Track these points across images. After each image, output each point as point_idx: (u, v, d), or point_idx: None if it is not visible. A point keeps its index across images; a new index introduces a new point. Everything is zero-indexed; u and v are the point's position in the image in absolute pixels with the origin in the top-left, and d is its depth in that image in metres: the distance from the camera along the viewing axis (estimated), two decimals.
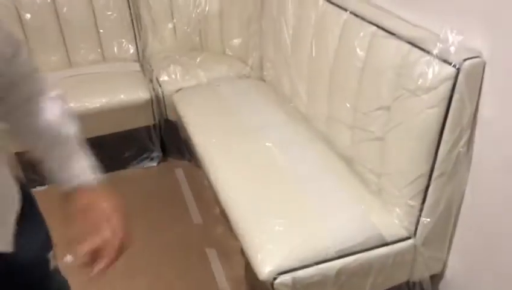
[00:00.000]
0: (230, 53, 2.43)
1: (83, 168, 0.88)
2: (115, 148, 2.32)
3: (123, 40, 2.45)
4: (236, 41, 2.38)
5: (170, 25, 2.48)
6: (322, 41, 1.64)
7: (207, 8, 2.42)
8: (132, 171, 2.38)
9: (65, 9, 2.30)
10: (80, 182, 0.86)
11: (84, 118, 2.05)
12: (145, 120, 2.26)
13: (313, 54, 1.70)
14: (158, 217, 2.08)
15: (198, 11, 2.42)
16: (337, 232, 1.32)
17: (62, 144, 0.87)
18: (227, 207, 1.50)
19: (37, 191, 2.27)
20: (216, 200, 1.61)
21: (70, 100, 2.03)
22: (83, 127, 2.13)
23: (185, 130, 1.98)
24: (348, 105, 1.51)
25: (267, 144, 1.69)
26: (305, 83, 1.80)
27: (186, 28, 2.46)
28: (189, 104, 2.06)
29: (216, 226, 1.99)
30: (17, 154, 2.24)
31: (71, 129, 0.89)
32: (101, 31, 2.40)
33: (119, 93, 2.17)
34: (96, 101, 2.13)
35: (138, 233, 1.97)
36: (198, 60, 2.33)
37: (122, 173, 2.38)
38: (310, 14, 1.70)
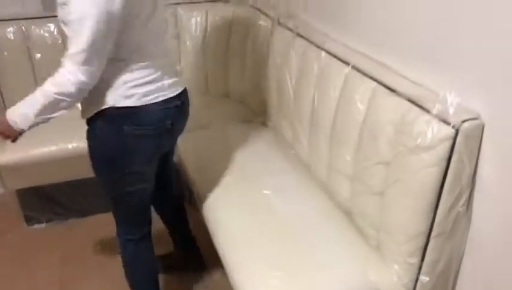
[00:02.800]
0: (233, 97, 2.46)
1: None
2: None
3: None
4: (240, 85, 2.42)
5: (177, 68, 2.53)
6: (323, 93, 1.66)
7: (213, 53, 2.47)
8: None
9: None
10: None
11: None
12: None
13: (315, 104, 1.72)
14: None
15: (204, 55, 2.47)
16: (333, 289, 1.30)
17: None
18: (222, 254, 1.49)
19: (36, 228, 2.29)
20: (212, 244, 1.60)
21: (76, 140, 2.09)
22: (86, 165, 2.14)
23: (184, 170, 2.00)
24: (348, 157, 1.52)
25: (265, 191, 1.69)
26: (306, 131, 1.82)
27: (193, 70, 2.51)
28: (189, 145, 2.08)
29: (212, 269, 1.98)
30: (18, 191, 2.26)
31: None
32: None
33: None
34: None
35: None
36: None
37: None
38: (312, 65, 1.73)
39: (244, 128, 2.24)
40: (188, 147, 2.07)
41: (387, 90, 1.35)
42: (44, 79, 2.39)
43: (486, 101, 1.13)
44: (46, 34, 2.31)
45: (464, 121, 1.12)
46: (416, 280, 1.30)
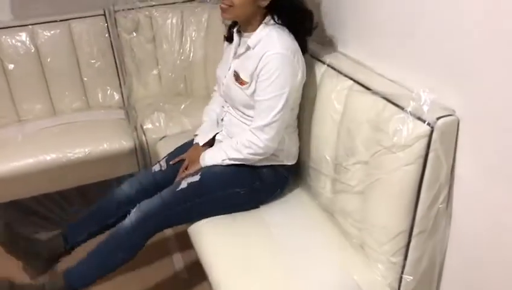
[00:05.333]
0: None
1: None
2: (98, 197, 2.29)
3: (108, 88, 2.46)
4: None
5: (155, 72, 2.49)
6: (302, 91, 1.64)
7: (191, 55, 2.43)
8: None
9: (49, 59, 2.31)
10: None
11: (67, 167, 2.08)
12: (129, 168, 2.23)
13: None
14: (142, 268, 2.03)
15: (182, 58, 2.44)
16: None
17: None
18: (200, 256, 1.47)
19: None
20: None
21: (53, 150, 2.05)
22: (67, 176, 2.11)
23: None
24: (328, 157, 1.50)
25: None
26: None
27: (170, 74, 2.47)
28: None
29: (202, 282, 1.96)
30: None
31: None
32: (85, 79, 2.40)
33: (102, 142, 2.14)
34: (79, 151, 2.10)
35: (123, 284, 1.95)
36: (182, 107, 2.33)
37: None
38: None
39: None
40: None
41: (362, 88, 1.34)
42: (19, 91, 2.35)
43: (460, 96, 1.12)
44: (18, 44, 2.26)
45: (438, 118, 1.11)
46: (400, 279, 1.29)
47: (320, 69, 1.53)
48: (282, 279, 1.33)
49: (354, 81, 1.38)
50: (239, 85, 1.52)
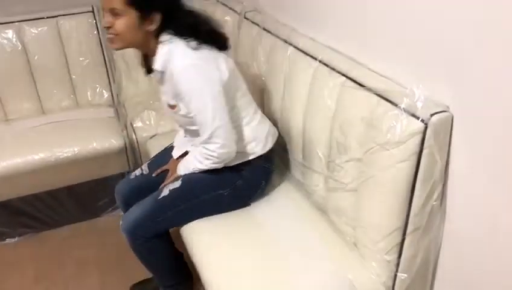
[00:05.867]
0: None
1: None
2: (88, 196, 2.27)
3: (97, 86, 2.43)
4: None
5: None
6: (293, 89, 1.63)
7: None
8: (106, 220, 2.32)
9: (36, 56, 2.28)
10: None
11: (56, 167, 2.05)
12: (119, 167, 2.21)
13: (285, 101, 1.68)
14: (134, 267, 2.00)
15: None
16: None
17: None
18: (192, 256, 1.45)
19: (7, 243, 2.22)
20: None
21: (42, 150, 2.02)
22: (56, 176, 2.08)
23: None
24: (321, 155, 1.49)
25: None
26: (278, 129, 1.78)
27: None
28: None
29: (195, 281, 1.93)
30: None
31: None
32: (74, 77, 2.37)
33: (92, 141, 2.12)
34: (68, 151, 2.07)
35: (113, 285, 1.92)
36: None
37: (95, 221, 2.32)
38: (280, 61, 1.69)
39: None
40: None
41: (355, 85, 1.32)
42: (6, 89, 2.31)
43: (454, 92, 1.11)
44: (5, 41, 2.22)
45: (432, 115, 1.09)
46: (395, 277, 1.28)
47: (312, 66, 1.51)
48: (275, 278, 1.31)
49: (347, 77, 1.36)
50: (172, 110, 1.51)
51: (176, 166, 1.61)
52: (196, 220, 1.55)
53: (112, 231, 2.24)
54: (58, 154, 2.05)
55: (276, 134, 1.65)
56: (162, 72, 1.44)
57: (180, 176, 1.56)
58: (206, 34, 1.43)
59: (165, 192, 1.53)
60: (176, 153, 1.69)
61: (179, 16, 1.41)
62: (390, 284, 1.29)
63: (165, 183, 1.60)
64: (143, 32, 1.39)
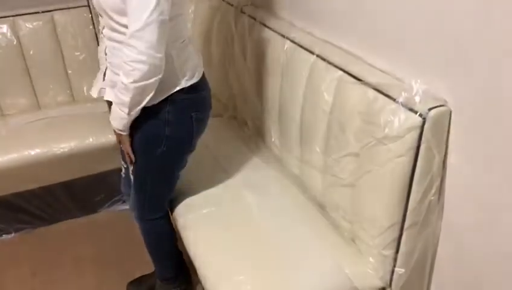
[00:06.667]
0: None
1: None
2: (85, 191, 2.26)
3: (93, 80, 2.40)
4: (208, 79, 2.35)
5: None
6: (290, 83, 1.61)
7: None
8: (103, 215, 2.31)
9: (32, 51, 2.26)
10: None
11: (52, 162, 2.04)
12: (115, 163, 2.18)
13: (283, 96, 1.67)
14: (131, 262, 2.01)
15: None
16: (309, 286, 1.27)
17: None
18: (189, 253, 1.44)
19: (4, 239, 2.21)
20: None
21: (38, 145, 2.01)
22: (52, 171, 2.07)
23: None
24: (318, 149, 1.48)
25: (237, 188, 1.65)
26: (276, 124, 1.77)
27: None
28: None
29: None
30: None
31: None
32: (70, 72, 2.36)
33: (88, 136, 2.11)
34: (64, 146, 2.06)
35: (110, 281, 1.92)
36: None
37: (93, 217, 2.32)
38: (278, 55, 1.68)
39: (214, 123, 2.17)
40: None
41: (352, 79, 1.31)
42: (1, 84, 2.30)
43: (452, 87, 1.10)
44: (0, 36, 2.19)
45: (430, 109, 1.08)
46: (392, 272, 1.28)
47: (309, 60, 1.50)
48: (272, 274, 1.31)
49: (344, 71, 1.35)
50: None
51: (115, 133, 1.44)
52: (191, 215, 1.55)
53: (108, 226, 2.23)
54: (55, 150, 2.04)
55: (202, 70, 1.47)
56: None
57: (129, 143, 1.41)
58: None
59: (132, 176, 1.54)
60: (94, 91, 1.52)
61: None
62: (388, 279, 1.29)
63: (127, 157, 1.49)
64: None
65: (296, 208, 1.56)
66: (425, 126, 1.09)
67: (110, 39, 1.33)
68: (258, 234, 1.45)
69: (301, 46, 1.57)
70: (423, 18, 1.13)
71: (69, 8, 2.30)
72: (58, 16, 2.28)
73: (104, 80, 1.45)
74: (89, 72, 2.39)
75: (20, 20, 2.23)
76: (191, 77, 1.41)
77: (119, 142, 1.46)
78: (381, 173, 1.20)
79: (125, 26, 1.22)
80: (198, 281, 1.42)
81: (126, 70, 1.21)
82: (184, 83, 1.38)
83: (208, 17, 2.30)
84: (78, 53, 2.33)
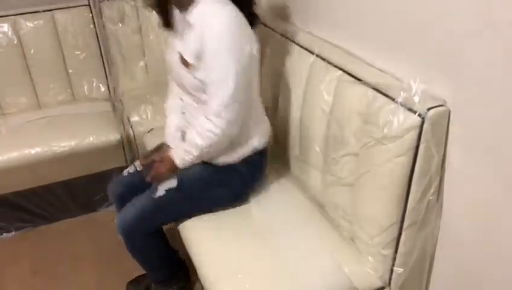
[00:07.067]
0: None
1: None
2: (85, 190, 2.26)
3: (93, 80, 2.42)
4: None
5: (142, 63, 2.45)
6: (290, 83, 1.62)
7: None
8: (103, 214, 2.31)
9: (32, 50, 2.26)
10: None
11: (53, 161, 2.04)
12: (116, 162, 2.20)
13: (283, 95, 1.68)
14: (130, 261, 2.00)
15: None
16: (309, 285, 1.27)
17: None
18: (195, 258, 1.44)
19: (5, 237, 2.22)
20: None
21: (38, 144, 2.01)
22: (52, 170, 2.08)
23: None
24: (318, 149, 1.48)
25: None
26: (276, 124, 1.77)
27: (157, 65, 2.43)
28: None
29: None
30: None
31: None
32: (70, 71, 2.36)
33: (88, 135, 2.11)
34: (65, 145, 2.06)
35: (110, 279, 1.92)
36: None
37: (93, 215, 2.32)
38: (277, 55, 1.68)
39: None
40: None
41: (352, 79, 1.31)
42: (2, 83, 2.30)
43: (451, 86, 1.10)
44: (0, 35, 2.20)
45: (429, 109, 1.08)
46: (391, 271, 1.28)
47: (309, 60, 1.50)
48: (272, 273, 1.31)
49: (344, 71, 1.36)
50: (185, 68, 1.40)
51: (165, 158, 1.50)
52: (193, 218, 1.54)
53: (108, 225, 2.22)
54: (55, 149, 2.04)
55: (270, 131, 1.60)
56: (190, 26, 1.37)
57: (175, 170, 1.49)
58: (246, 5, 1.38)
59: (161, 191, 1.48)
60: (169, 141, 1.61)
61: None
62: (387, 278, 1.29)
63: (155, 178, 1.51)
64: None
65: (295, 207, 1.56)
66: (425, 126, 1.09)
67: (189, 104, 1.50)
68: (258, 233, 1.45)
69: (301, 46, 1.57)
70: (422, 18, 1.13)
71: (69, 8, 2.30)
72: (59, 15, 2.28)
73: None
74: (89, 71, 2.39)
75: (21, 19, 2.23)
76: (265, 139, 1.54)
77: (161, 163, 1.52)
78: (380, 173, 1.20)
79: (204, 100, 1.39)
80: (197, 280, 1.42)
81: (202, 134, 1.39)
82: (257, 145, 1.52)
83: None
84: (79, 52, 2.34)
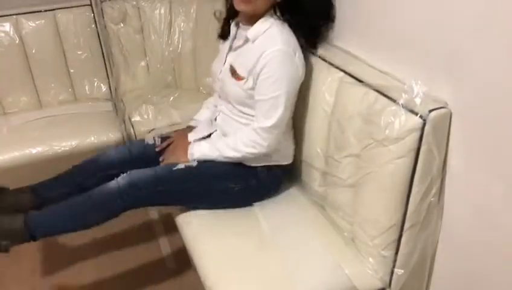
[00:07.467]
0: (204, 91, 2.40)
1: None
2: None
3: (95, 79, 2.42)
4: (209, 79, 2.35)
5: (143, 63, 2.45)
6: None
7: (180, 46, 2.40)
8: None
9: (34, 50, 2.26)
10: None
11: (54, 161, 2.04)
12: None
13: None
14: (130, 261, 2.02)
15: (171, 49, 2.40)
16: (309, 286, 1.27)
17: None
18: (196, 257, 1.45)
19: None
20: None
21: (39, 144, 2.01)
22: (53, 170, 2.08)
23: None
24: (319, 150, 1.48)
25: None
26: None
27: (159, 66, 2.43)
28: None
29: (189, 273, 1.94)
30: None
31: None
32: (72, 70, 2.36)
33: (89, 135, 2.11)
34: (66, 145, 2.06)
35: (110, 278, 1.93)
36: (171, 99, 2.30)
37: None
38: None
39: None
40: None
41: (353, 80, 1.32)
42: (3, 83, 2.30)
43: (453, 88, 1.10)
44: (2, 35, 2.20)
45: (431, 111, 1.09)
46: (392, 272, 1.28)
47: (311, 61, 1.51)
48: (272, 273, 1.31)
49: (345, 72, 1.36)
50: (235, 80, 1.47)
51: (186, 144, 1.59)
52: (194, 212, 1.54)
53: (108, 224, 2.23)
54: (56, 148, 2.04)
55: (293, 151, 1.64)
56: (248, 41, 1.44)
57: (190, 160, 1.54)
58: (310, 33, 1.48)
59: (181, 165, 1.52)
60: (195, 136, 1.66)
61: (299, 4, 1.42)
62: (387, 279, 1.30)
63: (165, 159, 1.60)
64: (271, 2, 1.42)
65: (296, 208, 1.56)
66: (426, 128, 1.09)
67: (226, 114, 1.58)
68: (259, 233, 1.45)
69: (303, 47, 1.57)
70: (424, 19, 1.14)
71: (71, 7, 2.30)
72: (60, 14, 2.28)
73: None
74: (90, 71, 2.40)
75: (22, 19, 2.23)
76: (289, 158, 1.60)
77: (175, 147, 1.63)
78: (381, 174, 1.20)
79: (246, 114, 1.50)
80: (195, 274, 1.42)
81: (246, 145, 1.46)
82: (282, 161, 1.58)
83: (192, 18, 2.31)
84: (80, 52, 2.34)
